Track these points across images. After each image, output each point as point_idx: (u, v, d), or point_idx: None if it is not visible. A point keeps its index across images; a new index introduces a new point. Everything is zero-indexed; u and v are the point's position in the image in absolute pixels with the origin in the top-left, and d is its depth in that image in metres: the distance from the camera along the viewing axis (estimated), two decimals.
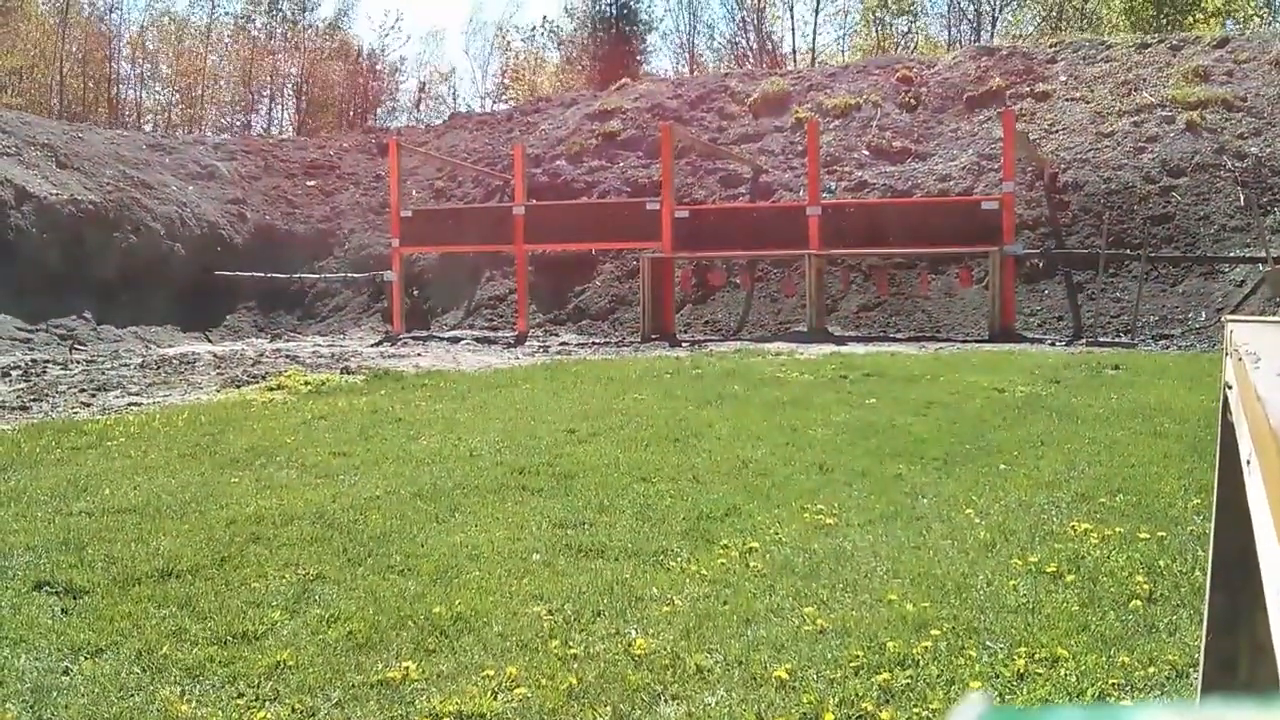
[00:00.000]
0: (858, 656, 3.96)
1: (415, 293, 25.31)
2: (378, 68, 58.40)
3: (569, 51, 57.45)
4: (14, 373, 15.20)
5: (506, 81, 58.52)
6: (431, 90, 60.82)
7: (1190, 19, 37.39)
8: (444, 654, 4.09)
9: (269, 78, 56.01)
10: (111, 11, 53.39)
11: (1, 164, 22.73)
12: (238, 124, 54.02)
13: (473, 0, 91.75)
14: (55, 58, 50.00)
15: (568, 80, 53.42)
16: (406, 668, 3.91)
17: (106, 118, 48.07)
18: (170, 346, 21.68)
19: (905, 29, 51.56)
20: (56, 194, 23.08)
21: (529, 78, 57.82)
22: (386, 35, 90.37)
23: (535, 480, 7.04)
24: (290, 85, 56.27)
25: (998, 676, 3.78)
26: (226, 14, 57.31)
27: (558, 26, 58.61)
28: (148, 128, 48.43)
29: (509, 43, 61.54)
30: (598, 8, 55.78)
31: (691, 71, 46.29)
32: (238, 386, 13.21)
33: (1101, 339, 18.25)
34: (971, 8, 50.39)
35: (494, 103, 55.88)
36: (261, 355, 18.50)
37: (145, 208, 24.95)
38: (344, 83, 56.77)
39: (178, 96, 55.19)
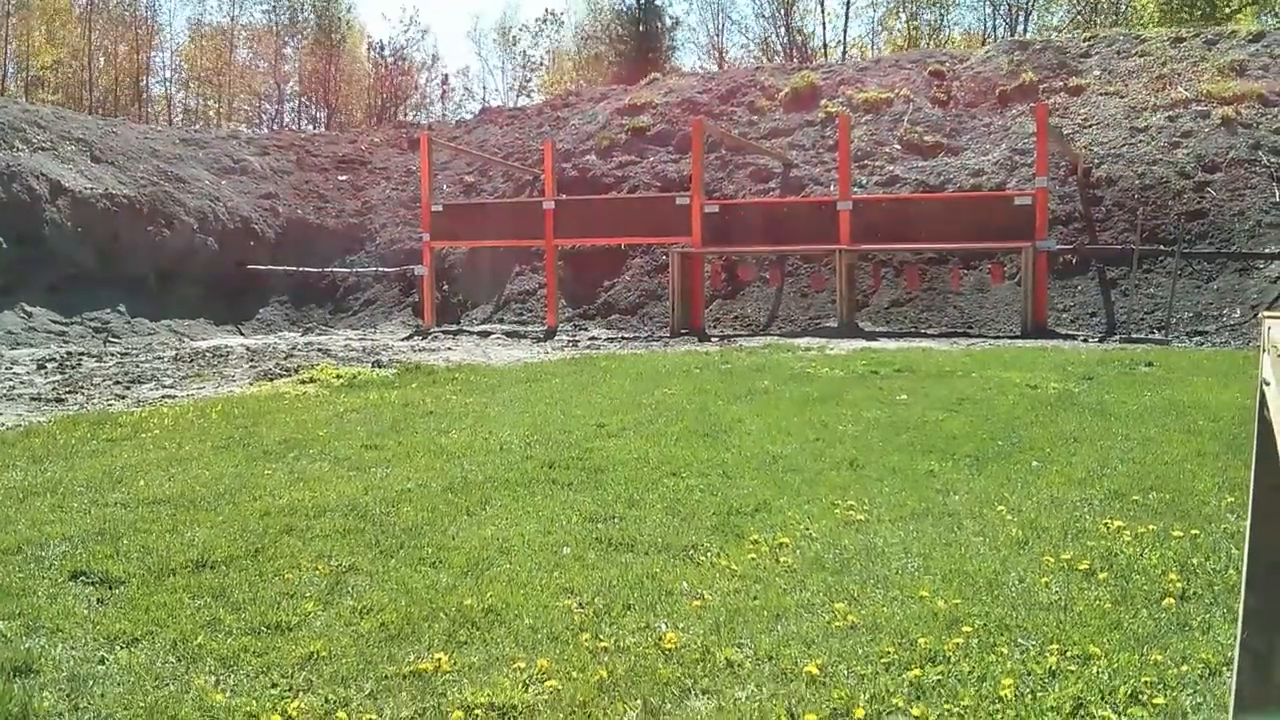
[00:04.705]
0: (889, 653, 3.95)
1: (445, 287, 25.41)
2: (403, 63, 58.61)
3: (594, 48, 57.36)
4: (49, 365, 15.38)
5: (528, 74, 58.69)
6: (456, 85, 61.10)
7: (1225, 8, 36.88)
8: (475, 646, 4.11)
9: (295, 73, 56.26)
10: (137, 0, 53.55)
11: (37, 158, 22.97)
12: (268, 117, 54.37)
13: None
14: (85, 50, 50.27)
15: (589, 75, 53.37)
16: (438, 659, 3.93)
17: (138, 111, 48.35)
18: (203, 339, 21.87)
19: (937, 20, 51.24)
20: (91, 188, 23.30)
21: (554, 70, 57.89)
22: (407, 31, 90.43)
23: (565, 474, 7.06)
24: (314, 80, 56.50)
25: (1029, 674, 3.77)
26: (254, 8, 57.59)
27: (582, 26, 58.39)
28: (179, 121, 48.75)
29: (533, 36, 61.74)
30: (622, 4, 55.71)
31: (720, 68, 46.10)
32: (270, 379, 13.31)
33: (1135, 335, 18.11)
34: (1004, 2, 50.03)
35: (518, 96, 55.98)
36: (294, 348, 18.63)
37: (178, 202, 25.14)
38: (368, 75, 57.01)
39: (209, 90, 55.53)
